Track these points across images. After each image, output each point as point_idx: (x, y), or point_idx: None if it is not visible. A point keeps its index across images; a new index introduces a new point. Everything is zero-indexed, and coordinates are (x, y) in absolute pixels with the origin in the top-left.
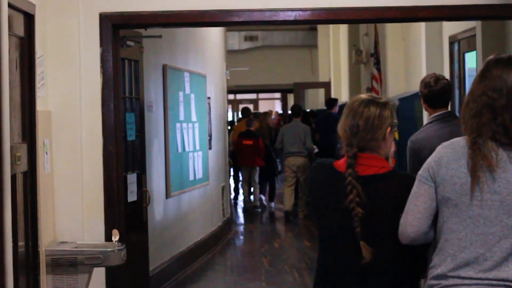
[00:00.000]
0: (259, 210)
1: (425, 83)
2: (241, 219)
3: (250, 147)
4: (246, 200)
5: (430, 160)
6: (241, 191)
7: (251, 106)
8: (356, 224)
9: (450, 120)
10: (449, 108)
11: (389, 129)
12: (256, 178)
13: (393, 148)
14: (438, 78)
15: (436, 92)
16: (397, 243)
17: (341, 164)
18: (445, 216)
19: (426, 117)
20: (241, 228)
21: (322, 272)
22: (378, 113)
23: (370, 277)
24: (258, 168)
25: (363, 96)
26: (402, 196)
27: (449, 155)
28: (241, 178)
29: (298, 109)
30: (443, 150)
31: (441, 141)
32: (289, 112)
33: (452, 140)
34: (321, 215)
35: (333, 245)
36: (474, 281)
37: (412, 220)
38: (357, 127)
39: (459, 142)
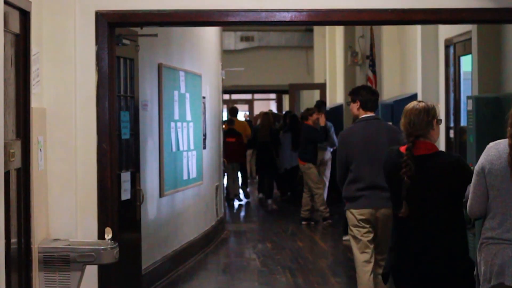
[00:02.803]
0: (238, 201)
1: (366, 92)
2: (235, 218)
3: (233, 144)
4: (236, 195)
5: (482, 157)
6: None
7: (245, 107)
8: (403, 189)
9: (372, 121)
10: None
11: (435, 121)
12: (238, 173)
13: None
14: (374, 90)
15: (373, 99)
16: (441, 201)
17: (404, 148)
18: (492, 197)
19: None
20: (235, 228)
21: (396, 226)
22: (427, 112)
23: (424, 223)
24: (239, 164)
25: (415, 102)
26: (444, 168)
27: (494, 154)
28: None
29: (321, 108)
30: (490, 150)
31: (363, 136)
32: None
33: (496, 142)
34: (391, 184)
35: (398, 204)
36: None
37: (475, 203)
38: (413, 122)
39: (502, 144)
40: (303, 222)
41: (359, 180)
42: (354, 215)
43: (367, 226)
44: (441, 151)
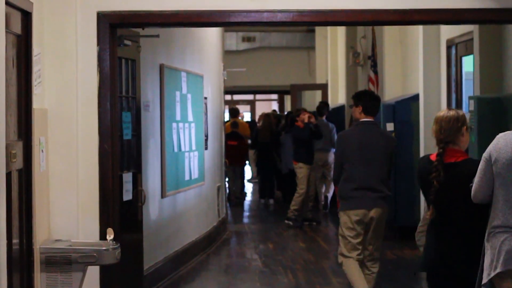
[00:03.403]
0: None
1: (369, 97)
2: (237, 219)
3: (235, 147)
4: (238, 196)
5: (490, 145)
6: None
7: (247, 107)
8: (432, 193)
9: (370, 126)
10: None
11: (465, 128)
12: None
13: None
14: (376, 95)
15: (375, 105)
16: (467, 207)
17: (434, 156)
18: (497, 185)
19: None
20: (236, 229)
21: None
22: (457, 119)
23: (451, 228)
24: (240, 168)
25: (445, 109)
26: (470, 176)
27: (502, 143)
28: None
29: (322, 109)
30: (499, 139)
31: (359, 138)
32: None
33: (506, 132)
34: (423, 189)
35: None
36: None
37: (480, 188)
38: (444, 129)
39: (510, 135)
40: (305, 223)
41: (352, 180)
42: (349, 216)
43: (358, 228)
44: (469, 159)
